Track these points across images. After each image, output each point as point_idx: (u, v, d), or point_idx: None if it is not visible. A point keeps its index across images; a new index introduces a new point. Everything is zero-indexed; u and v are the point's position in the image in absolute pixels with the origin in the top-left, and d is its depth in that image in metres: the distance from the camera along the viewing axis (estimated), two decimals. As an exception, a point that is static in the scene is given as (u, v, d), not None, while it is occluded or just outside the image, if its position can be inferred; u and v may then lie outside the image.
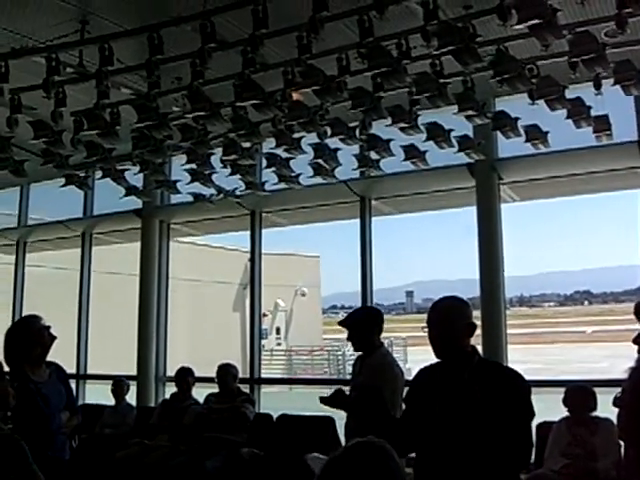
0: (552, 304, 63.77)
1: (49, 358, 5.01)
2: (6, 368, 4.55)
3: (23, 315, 6.36)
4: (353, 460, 2.09)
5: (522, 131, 6.27)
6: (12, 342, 4.83)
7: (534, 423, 3.62)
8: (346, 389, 5.39)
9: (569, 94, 5.82)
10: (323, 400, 4.71)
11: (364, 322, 5.50)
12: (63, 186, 7.53)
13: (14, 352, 4.79)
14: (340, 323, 5.64)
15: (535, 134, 6.31)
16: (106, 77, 6.02)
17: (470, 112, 5.96)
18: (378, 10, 4.96)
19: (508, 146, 7.60)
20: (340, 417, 5.95)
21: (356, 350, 5.62)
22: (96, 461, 7.70)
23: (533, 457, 6.58)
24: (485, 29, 5.34)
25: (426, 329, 3.69)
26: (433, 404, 3.53)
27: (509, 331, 8.39)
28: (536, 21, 4.65)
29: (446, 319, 3.64)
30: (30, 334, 4.85)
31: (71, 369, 10.12)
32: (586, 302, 59.38)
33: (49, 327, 4.96)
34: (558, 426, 6.47)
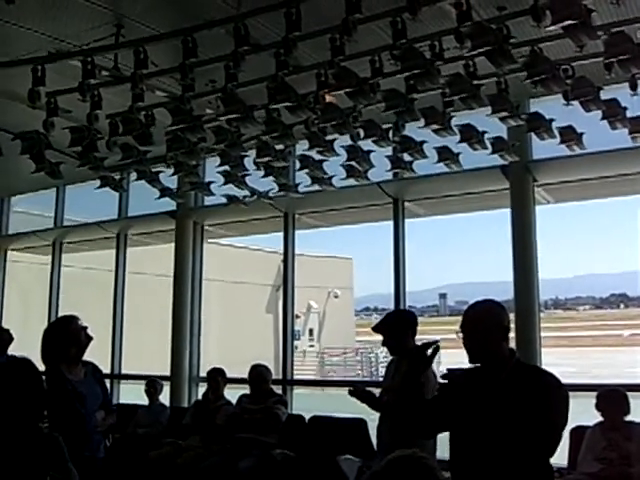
0: (587, 307, 63.06)
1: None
2: (42, 367, 4.62)
3: (60, 315, 6.43)
4: (397, 477, 2.03)
5: (557, 132, 6.22)
6: (49, 342, 4.91)
7: (568, 427, 3.58)
8: (377, 391, 5.39)
9: (604, 95, 5.76)
10: (352, 392, 4.72)
11: (397, 326, 5.46)
12: (98, 188, 7.60)
13: (51, 351, 4.86)
14: (374, 329, 5.59)
15: (570, 135, 6.25)
16: (141, 80, 6.07)
17: (504, 114, 5.92)
18: (411, 12, 4.94)
19: (542, 147, 7.54)
20: (372, 419, 5.95)
21: (392, 354, 5.59)
22: (129, 461, 7.76)
23: (566, 461, 6.55)
24: (519, 30, 5.30)
25: (460, 334, 3.64)
26: (468, 405, 3.52)
27: (543, 334, 8.32)
28: (570, 22, 4.60)
29: (480, 323, 3.58)
30: (67, 334, 4.92)
31: (106, 369, 10.22)
32: (622, 305, 58.59)
33: (86, 327, 5.03)
34: (592, 431, 6.39)
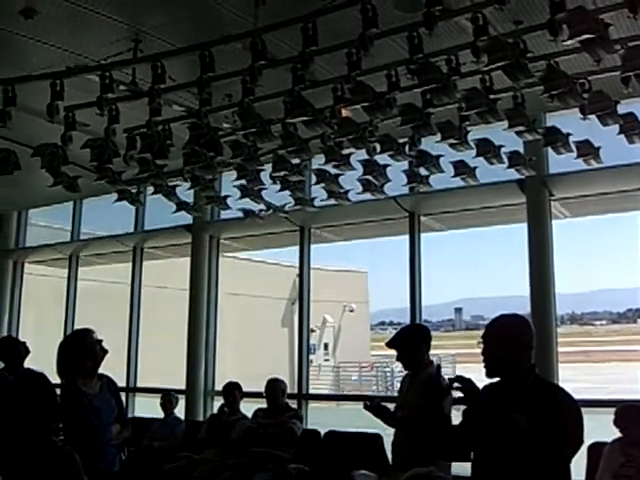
0: (604, 322, 62.64)
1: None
2: (58, 380, 4.64)
3: (76, 328, 6.45)
4: None
5: (573, 146, 6.19)
6: (65, 355, 4.92)
7: (585, 443, 3.54)
8: (392, 406, 5.37)
9: (621, 109, 5.73)
10: (367, 407, 4.72)
11: (411, 341, 5.46)
12: (116, 202, 7.63)
13: (67, 365, 4.87)
14: (388, 344, 5.58)
15: (587, 150, 6.22)
16: (158, 94, 6.10)
17: (520, 128, 5.90)
18: (427, 26, 4.94)
19: (559, 162, 7.51)
20: (388, 434, 5.93)
21: (406, 369, 5.58)
22: (144, 474, 7.75)
23: (584, 478, 6.48)
24: (535, 44, 5.30)
25: (481, 344, 3.59)
26: (486, 422, 3.48)
27: (560, 349, 8.27)
28: (587, 36, 4.60)
29: (502, 337, 3.54)
30: (82, 347, 4.93)
31: (121, 382, 10.23)
32: (639, 320, 58.13)
33: (101, 341, 5.04)
34: (610, 447, 6.31)
